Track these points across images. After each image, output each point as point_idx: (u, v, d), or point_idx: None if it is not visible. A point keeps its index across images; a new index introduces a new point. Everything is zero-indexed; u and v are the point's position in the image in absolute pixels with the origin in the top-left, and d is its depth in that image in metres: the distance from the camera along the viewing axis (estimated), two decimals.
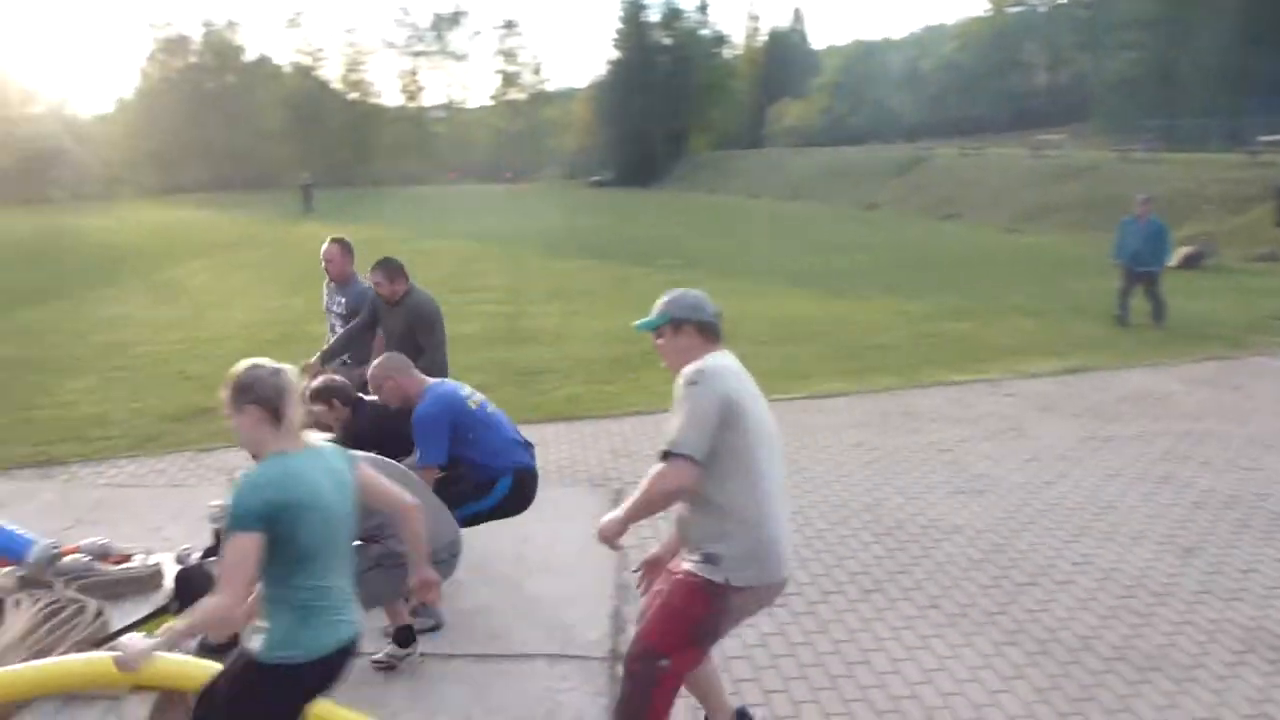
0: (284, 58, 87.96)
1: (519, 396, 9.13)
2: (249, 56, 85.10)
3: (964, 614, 4.70)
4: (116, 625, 4.41)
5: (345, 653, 2.82)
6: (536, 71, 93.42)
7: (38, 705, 3.76)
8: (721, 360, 3.06)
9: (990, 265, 19.90)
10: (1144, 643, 4.42)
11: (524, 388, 9.54)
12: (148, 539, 5.66)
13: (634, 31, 77.90)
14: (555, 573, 5.20)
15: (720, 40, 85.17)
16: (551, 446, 7.56)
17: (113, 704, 3.62)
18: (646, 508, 3.07)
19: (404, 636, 4.15)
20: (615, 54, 79.28)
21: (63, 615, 4.33)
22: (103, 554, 4.91)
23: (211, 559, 4.44)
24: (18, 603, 4.41)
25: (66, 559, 4.76)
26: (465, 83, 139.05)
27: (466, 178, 76.97)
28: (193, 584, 4.42)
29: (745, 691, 4.03)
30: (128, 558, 4.93)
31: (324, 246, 6.52)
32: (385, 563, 3.86)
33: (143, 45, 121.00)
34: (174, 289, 17.06)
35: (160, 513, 6.15)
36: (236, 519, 2.56)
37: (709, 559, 2.99)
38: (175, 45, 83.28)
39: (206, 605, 2.57)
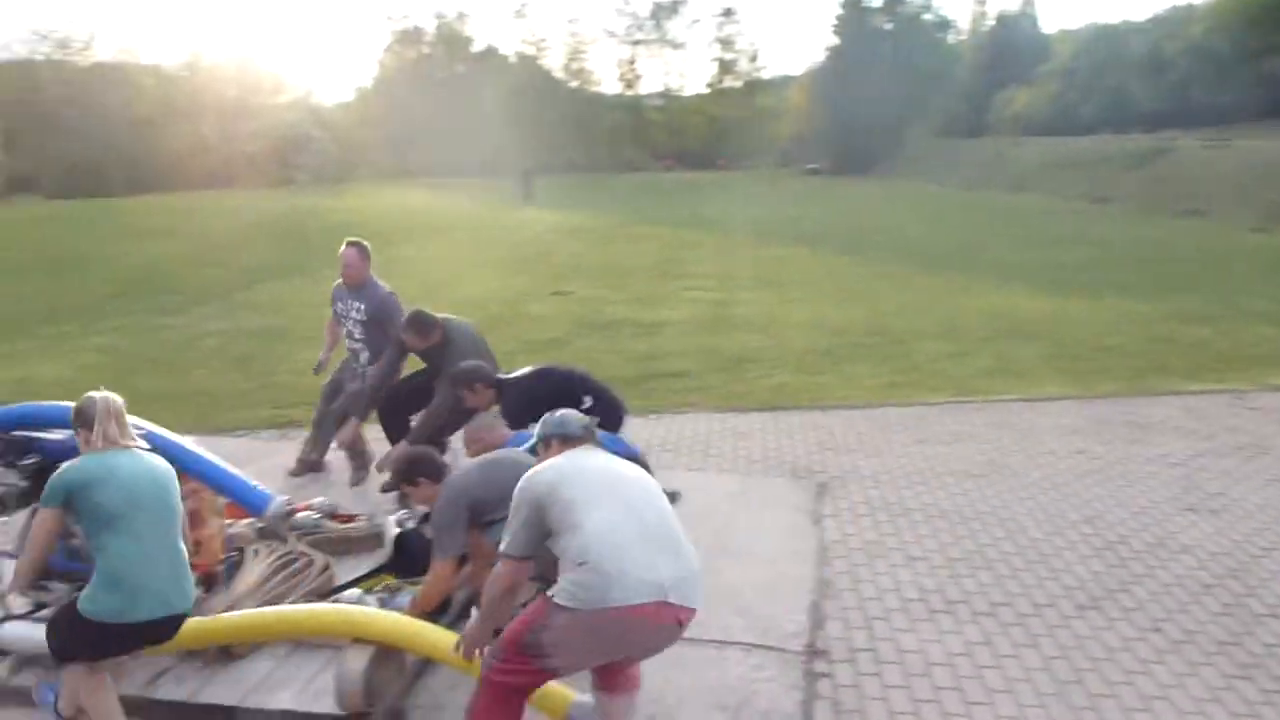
0: (510, 48, 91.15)
1: (725, 384, 9.16)
2: (477, 47, 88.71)
3: (1191, 640, 4.39)
4: (340, 580, 4.71)
5: (155, 625, 3.33)
6: (753, 59, 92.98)
7: (271, 648, 4.07)
8: (559, 460, 3.34)
9: (1234, 267, 18.40)
10: None
11: (730, 375, 9.54)
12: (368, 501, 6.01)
13: (854, 17, 76.31)
14: (755, 562, 5.18)
15: (945, 25, 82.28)
16: (756, 436, 7.55)
17: (335, 653, 3.87)
18: (492, 610, 3.34)
19: None
20: (834, 40, 77.97)
21: (294, 567, 4.67)
22: (330, 512, 5.25)
23: (425, 524, 4.67)
24: (255, 552, 4.79)
25: (299, 515, 5.12)
26: (682, 70, 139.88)
27: (680, 165, 77.53)
28: (410, 546, 4.67)
29: (945, 700, 3.91)
30: (353, 518, 5.25)
31: (341, 250, 6.40)
32: None
33: (381, 37, 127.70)
34: (405, 267, 17.97)
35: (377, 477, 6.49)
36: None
37: (546, 583, 3.21)
38: (410, 37, 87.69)
39: None
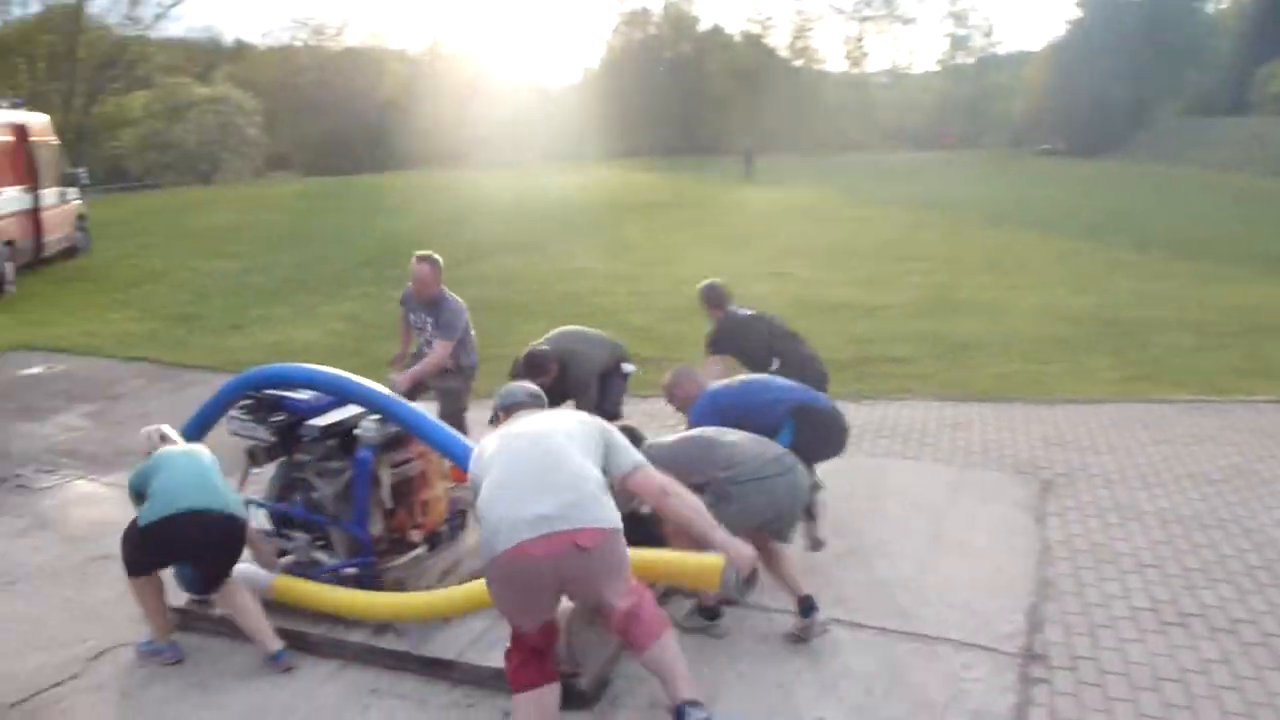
0: (735, 27, 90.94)
1: (945, 371, 8.87)
2: (703, 27, 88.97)
3: None
4: None
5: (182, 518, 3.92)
6: (988, 34, 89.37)
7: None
8: (492, 434, 3.68)
9: None
10: None
11: (951, 362, 9.22)
12: None
13: None
14: (971, 557, 5.01)
15: None
16: (975, 427, 7.28)
17: None
18: None
19: (805, 606, 4.18)
20: (1076, 13, 73.69)
21: None
22: None
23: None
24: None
25: None
26: (911, 47, 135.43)
27: (906, 144, 75.44)
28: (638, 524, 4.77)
29: (1176, 719, 3.66)
30: None
31: (412, 264, 6.21)
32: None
33: (608, 19, 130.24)
34: (625, 245, 18.33)
35: None
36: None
37: None
38: (637, 18, 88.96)
39: None
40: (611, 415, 5.82)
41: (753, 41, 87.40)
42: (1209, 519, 5.51)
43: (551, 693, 3.38)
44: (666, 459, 3.96)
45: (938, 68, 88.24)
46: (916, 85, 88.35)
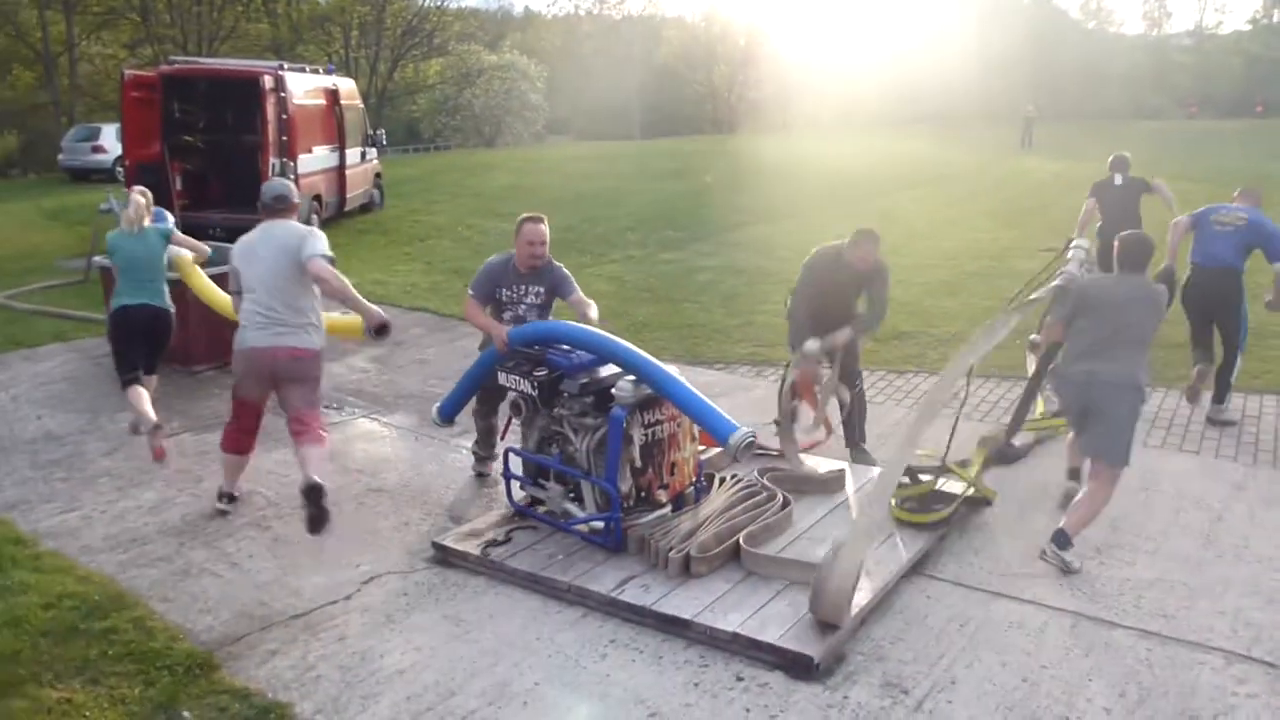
0: None
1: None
2: None
3: None
4: (799, 521, 4.88)
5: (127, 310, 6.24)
6: None
7: (726, 572, 4.30)
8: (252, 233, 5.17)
9: None
10: None
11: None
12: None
13: None
14: (1247, 562, 4.61)
15: None
16: (1266, 419, 6.67)
17: (786, 587, 4.04)
18: None
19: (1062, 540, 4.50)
20: None
21: (757, 499, 4.91)
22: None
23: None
24: (724, 480, 5.11)
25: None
26: (1221, 5, 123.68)
27: (1208, 111, 69.11)
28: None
29: None
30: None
31: (526, 225, 5.56)
32: None
33: None
34: (890, 216, 17.83)
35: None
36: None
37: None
38: None
39: None
40: None
41: (1043, 2, 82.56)
42: None
43: (245, 460, 5.32)
44: None
45: (1249, 26, 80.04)
46: (1223, 47, 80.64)
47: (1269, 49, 76.79)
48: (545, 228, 5.59)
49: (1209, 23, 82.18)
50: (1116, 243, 4.92)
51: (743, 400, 7.10)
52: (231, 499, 5.33)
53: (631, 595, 4.24)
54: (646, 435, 4.71)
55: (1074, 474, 5.29)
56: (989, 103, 70.47)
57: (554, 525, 4.87)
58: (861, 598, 4.06)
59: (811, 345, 5.61)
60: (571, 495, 4.91)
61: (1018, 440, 6.01)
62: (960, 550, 4.75)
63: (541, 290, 5.61)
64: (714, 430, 4.46)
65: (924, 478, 5.00)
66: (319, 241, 4.93)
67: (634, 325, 9.57)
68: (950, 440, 5.08)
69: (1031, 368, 6.48)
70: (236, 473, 5.35)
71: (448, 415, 5.55)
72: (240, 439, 5.23)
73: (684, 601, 4.15)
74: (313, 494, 4.64)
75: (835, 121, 61.88)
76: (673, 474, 4.90)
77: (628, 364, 4.68)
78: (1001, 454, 5.81)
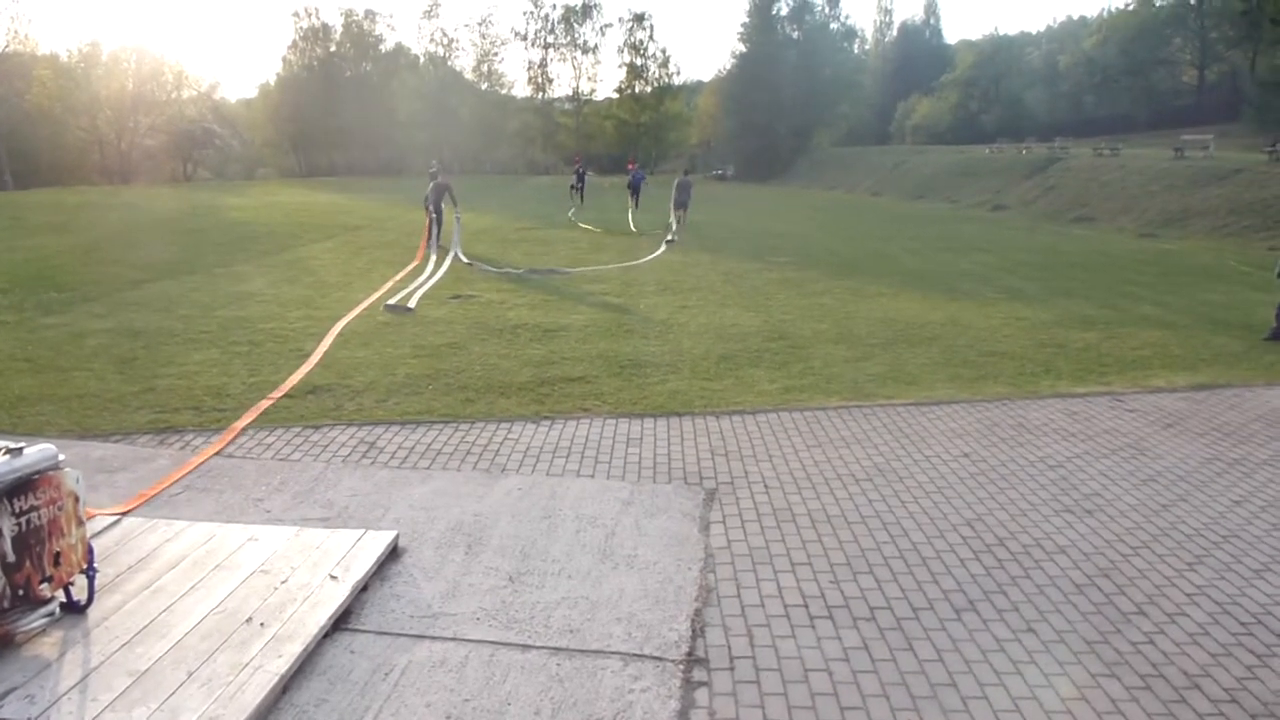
0: (419, 47, 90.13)
1: (622, 390, 9.11)
2: (386, 46, 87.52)
3: (1061, 640, 4.48)
4: None
5: None
6: (664, 64, 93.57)
7: None
8: None
9: (1121, 272, 19.11)
10: (1260, 686, 4.15)
11: (627, 381, 9.50)
12: (250, 510, 5.85)
13: (762, 25, 77.35)
14: (638, 569, 5.15)
15: (850, 34, 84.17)
16: (648, 442, 7.52)
17: None
18: None
19: None
20: (741, 48, 78.88)
21: None
22: None
23: None
24: None
25: None
26: (593, 74, 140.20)
27: (591, 168, 77.64)
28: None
29: (821, 706, 3.92)
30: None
31: None
32: None
33: (286, 34, 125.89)
34: (301, 268, 17.57)
35: (263, 485, 6.32)
36: None
37: None
38: (317, 34, 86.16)
39: None
40: None
41: (438, 63, 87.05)
42: (853, 516, 5.98)
43: None
44: None
45: (617, 95, 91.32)
46: (598, 112, 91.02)
47: (636, 116, 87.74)
48: None
49: (585, 89, 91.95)
50: None
51: (144, 472, 6.52)
52: None
53: (12, 711, 3.66)
54: (20, 525, 4.11)
55: None
56: (395, 156, 72.54)
57: None
58: (282, 664, 3.89)
59: None
60: None
61: None
62: (382, 598, 4.75)
63: None
64: None
65: None
66: None
67: (9, 400, 8.38)
68: None
69: None
70: None
71: None
72: None
73: (79, 706, 3.66)
74: None
75: (238, 173, 59.74)
76: (57, 565, 4.32)
77: None
78: None
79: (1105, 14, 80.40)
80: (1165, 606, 4.84)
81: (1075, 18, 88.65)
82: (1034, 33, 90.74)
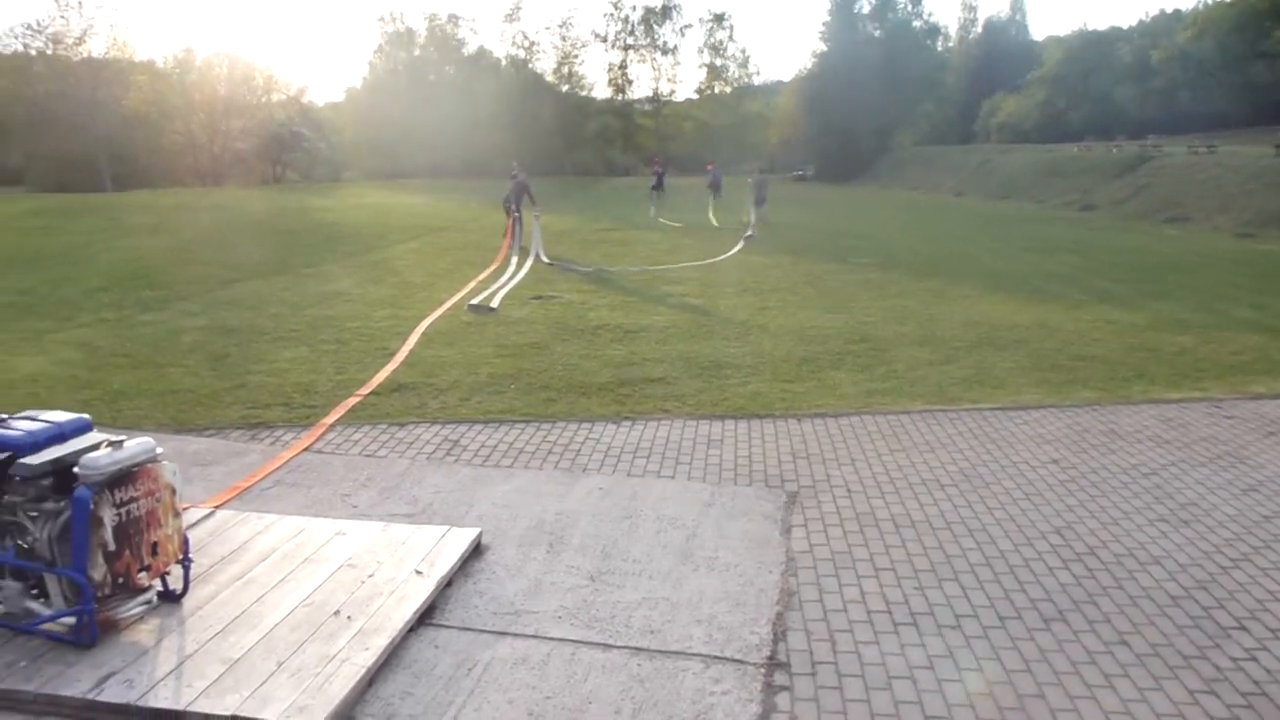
0: (501, 51, 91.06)
1: (702, 391, 9.09)
2: (469, 49, 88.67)
3: (1156, 654, 4.35)
4: None
5: None
6: (744, 65, 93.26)
7: None
8: None
9: (1218, 274, 18.50)
10: None
11: (708, 382, 9.48)
12: (337, 505, 5.97)
13: (843, 24, 76.55)
14: (719, 571, 5.13)
15: (934, 32, 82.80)
16: (728, 444, 7.49)
17: None
18: None
19: None
20: (822, 47, 78.20)
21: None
22: None
23: None
24: None
25: None
26: (672, 75, 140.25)
27: (670, 169, 77.72)
28: None
29: (906, 714, 3.86)
30: None
31: None
32: None
33: (372, 38, 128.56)
34: (386, 268, 17.89)
35: (350, 481, 6.45)
36: None
37: None
38: (402, 38, 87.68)
39: None
40: None
41: (519, 66, 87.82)
42: (938, 522, 5.88)
43: None
44: None
45: (697, 96, 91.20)
46: (678, 113, 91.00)
47: (715, 116, 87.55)
48: None
49: (664, 90, 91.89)
50: None
51: (236, 466, 6.70)
52: None
53: (112, 694, 3.78)
54: (120, 515, 4.25)
55: None
56: (476, 158, 73.35)
57: (14, 629, 4.22)
58: (368, 657, 3.97)
59: None
60: (34, 592, 4.29)
61: None
62: (466, 595, 4.81)
63: None
64: None
65: None
66: None
67: (109, 395, 8.68)
68: None
69: None
70: None
71: None
72: None
73: (175, 691, 3.77)
74: None
75: (325, 175, 61.05)
76: (155, 554, 4.46)
77: None
78: None
79: (1201, 6, 77.80)
80: (1269, 622, 4.67)
81: (1169, 11, 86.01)
82: (1125, 27, 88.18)
